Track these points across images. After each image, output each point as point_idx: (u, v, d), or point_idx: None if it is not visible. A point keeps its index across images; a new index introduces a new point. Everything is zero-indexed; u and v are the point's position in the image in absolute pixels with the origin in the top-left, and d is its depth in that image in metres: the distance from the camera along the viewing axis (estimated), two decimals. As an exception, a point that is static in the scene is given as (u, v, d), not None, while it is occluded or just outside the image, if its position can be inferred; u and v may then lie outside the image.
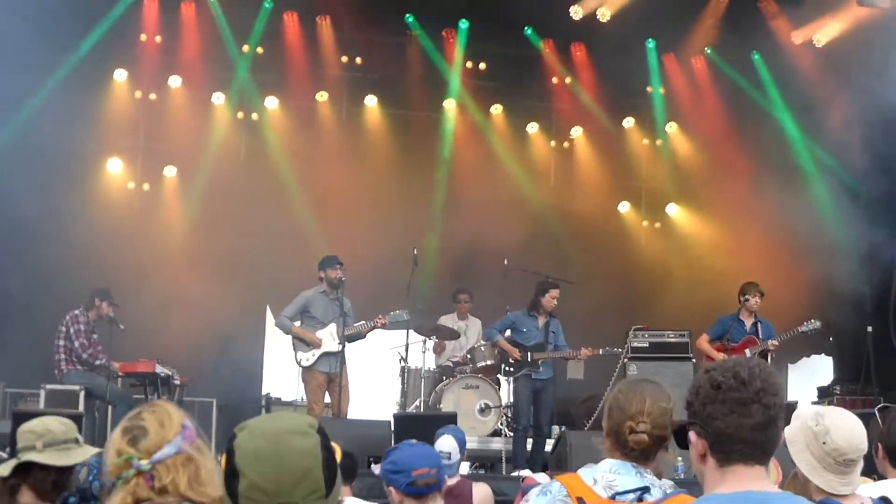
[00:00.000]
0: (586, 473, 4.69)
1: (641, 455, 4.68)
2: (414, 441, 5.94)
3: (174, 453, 3.62)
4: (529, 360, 15.36)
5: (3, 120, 17.02)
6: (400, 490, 5.57)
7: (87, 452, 5.62)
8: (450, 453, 10.73)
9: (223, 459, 3.04)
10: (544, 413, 15.44)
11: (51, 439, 5.59)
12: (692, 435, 3.50)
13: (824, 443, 4.90)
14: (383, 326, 15.51)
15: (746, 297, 15.32)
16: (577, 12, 18.88)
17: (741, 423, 3.40)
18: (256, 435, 3.01)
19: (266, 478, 2.93)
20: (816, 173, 19.55)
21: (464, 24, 19.57)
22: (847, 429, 4.96)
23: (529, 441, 15.38)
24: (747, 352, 15.21)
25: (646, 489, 4.59)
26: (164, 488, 3.57)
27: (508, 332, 15.75)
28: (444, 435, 10.54)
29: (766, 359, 15.08)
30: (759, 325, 15.46)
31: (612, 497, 4.56)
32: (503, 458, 15.64)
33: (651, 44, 20.04)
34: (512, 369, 15.56)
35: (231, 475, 2.98)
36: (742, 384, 3.42)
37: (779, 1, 18.89)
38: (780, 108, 19.79)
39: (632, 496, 4.58)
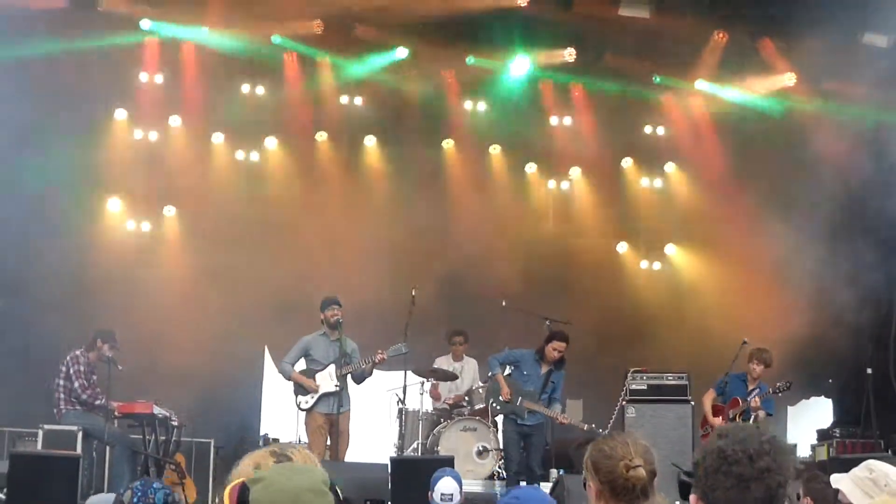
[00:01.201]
0: None
1: (643, 492, 4.71)
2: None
3: None
4: (518, 404, 15.33)
5: (2, 158, 17.01)
6: None
7: None
8: (452, 494, 10.76)
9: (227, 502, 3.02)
10: (535, 456, 15.39)
11: None
12: (693, 498, 3.51)
13: (886, 485, 4.96)
14: (382, 361, 15.46)
15: (751, 361, 15.35)
16: (571, 54, 18.90)
17: (743, 498, 3.40)
18: (274, 491, 3.00)
19: None
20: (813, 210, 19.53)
21: (471, 61, 19.48)
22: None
23: (523, 485, 15.32)
24: (730, 413, 15.20)
25: None
26: None
27: (509, 370, 15.72)
28: (444, 477, 10.57)
29: (750, 418, 15.04)
30: (757, 389, 15.45)
31: None
32: (500, 502, 15.58)
33: (647, 85, 20.01)
34: (498, 407, 15.53)
35: None
36: (749, 459, 3.42)
37: (776, 41, 18.89)
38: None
39: None
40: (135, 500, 5.65)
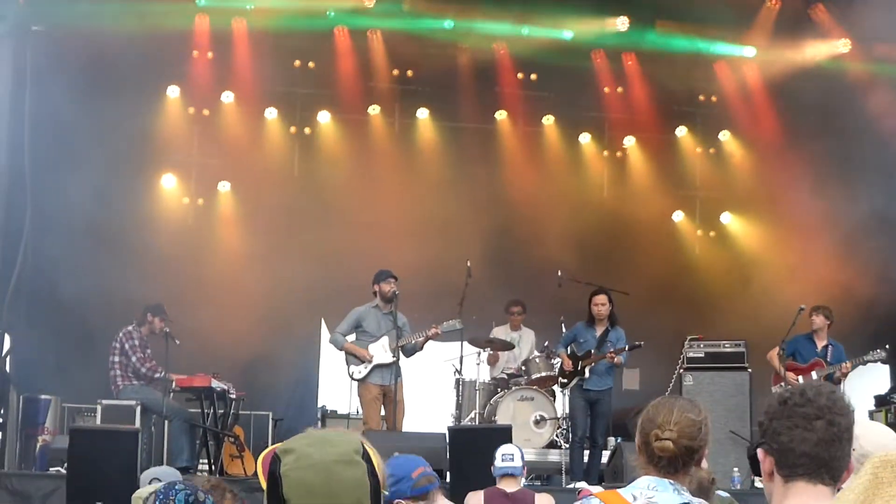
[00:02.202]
0: (625, 491, 4.66)
1: (669, 465, 4.63)
2: (396, 454, 6.05)
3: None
4: (580, 368, 15.34)
5: (57, 137, 17.16)
6: (407, 497, 5.56)
7: None
8: (512, 455, 10.78)
9: (263, 479, 3.02)
10: (599, 424, 15.38)
11: None
12: (760, 452, 3.53)
13: (854, 449, 4.90)
14: (436, 336, 15.52)
15: (811, 316, 15.32)
16: (623, 23, 18.83)
17: (805, 437, 3.43)
18: (305, 465, 2.98)
19: None
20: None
21: (525, 30, 19.42)
22: (874, 434, 4.97)
23: (587, 452, 15.33)
24: (814, 374, 15.16)
25: None
26: None
27: (570, 347, 15.75)
28: (504, 444, 10.70)
29: (837, 383, 15.03)
30: (829, 348, 15.41)
31: None
32: (562, 471, 15.60)
33: (710, 47, 19.85)
34: (565, 380, 15.54)
35: (277, 502, 2.97)
36: (808, 400, 3.47)
37: (830, 8, 18.74)
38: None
39: None
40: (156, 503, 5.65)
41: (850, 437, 3.50)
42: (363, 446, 3.08)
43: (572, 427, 15.40)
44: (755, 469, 3.59)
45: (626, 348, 15.30)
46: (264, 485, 3.11)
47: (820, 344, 15.43)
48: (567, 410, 15.98)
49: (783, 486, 3.45)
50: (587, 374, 15.30)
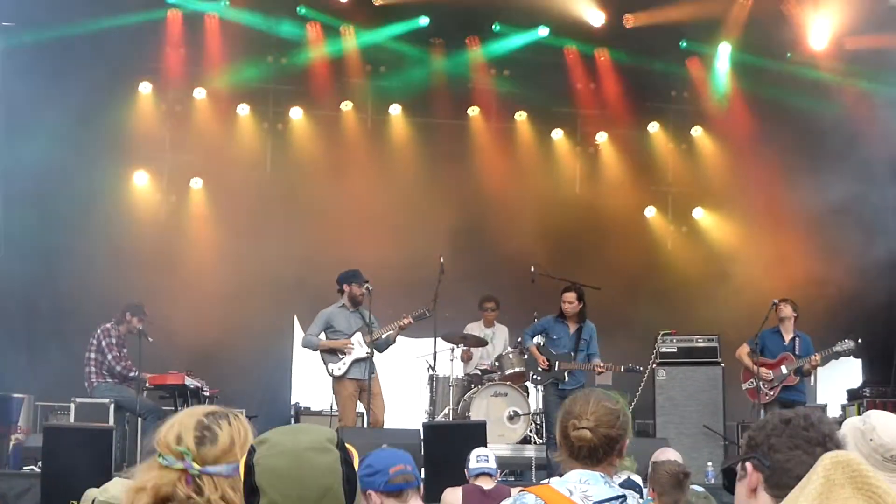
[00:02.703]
0: (559, 485, 4.68)
1: (591, 456, 4.67)
2: (385, 446, 5.97)
3: (226, 475, 3.47)
4: (556, 369, 15.32)
5: (30, 134, 17.11)
6: (379, 491, 5.55)
7: None
8: (487, 456, 10.83)
9: (241, 473, 3.03)
10: None
11: None
12: (749, 466, 3.46)
13: (871, 440, 4.90)
14: (408, 325, 15.49)
15: (777, 307, 15.34)
16: (596, 19, 18.88)
17: (803, 461, 3.34)
18: (276, 452, 3.00)
19: (287, 497, 2.93)
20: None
21: (496, 28, 19.51)
22: (892, 425, 4.95)
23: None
24: (783, 368, 15.19)
25: (622, 497, 4.60)
26: (200, 492, 3.47)
27: (541, 339, 15.71)
28: (475, 448, 10.74)
29: (807, 375, 15.10)
30: (797, 340, 15.44)
31: None
32: (533, 465, 15.63)
33: (675, 48, 19.97)
34: (539, 378, 15.53)
35: (251, 492, 2.98)
36: (811, 425, 3.44)
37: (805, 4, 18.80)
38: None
39: None
40: None
41: None
42: (338, 436, 3.09)
43: (547, 425, 15.39)
44: (729, 481, 3.54)
45: (622, 370, 15.32)
46: (240, 481, 3.12)
47: (787, 337, 15.46)
48: (541, 406, 16.01)
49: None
50: (566, 379, 15.26)
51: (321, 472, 2.97)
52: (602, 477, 4.63)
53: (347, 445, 3.15)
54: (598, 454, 4.67)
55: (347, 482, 3.01)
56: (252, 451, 3.01)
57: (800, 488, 1.83)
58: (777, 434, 3.44)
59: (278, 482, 2.94)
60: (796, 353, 15.33)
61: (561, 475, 4.70)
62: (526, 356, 16.12)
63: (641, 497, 4.70)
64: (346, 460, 3.05)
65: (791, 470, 3.37)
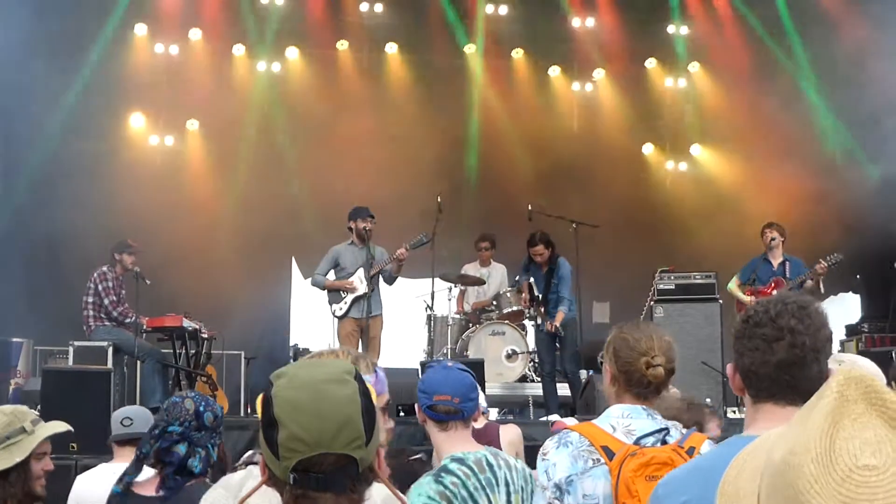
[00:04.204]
0: (601, 422, 4.70)
1: (655, 391, 4.73)
2: (450, 363, 5.68)
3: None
4: (531, 313, 15.32)
5: (24, 77, 17.04)
6: (422, 410, 5.47)
7: (44, 432, 5.19)
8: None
9: (259, 407, 3.03)
10: (565, 355, 15.13)
11: None
12: (729, 367, 3.46)
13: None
14: (404, 255, 15.33)
15: (766, 235, 15.28)
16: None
17: (765, 360, 3.33)
18: (295, 385, 3.00)
19: (306, 428, 2.92)
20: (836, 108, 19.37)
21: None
22: (859, 366, 4.94)
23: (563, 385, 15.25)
24: (775, 294, 15.09)
25: (665, 430, 4.62)
26: None
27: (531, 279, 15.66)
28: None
29: (817, 289, 14.98)
30: (787, 263, 15.36)
31: (636, 442, 4.57)
32: (531, 403, 15.67)
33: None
34: (528, 314, 15.55)
35: (269, 425, 2.98)
36: (770, 320, 3.34)
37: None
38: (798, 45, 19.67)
39: (652, 439, 4.59)
40: (201, 407, 5.65)
41: (818, 356, 3.34)
42: (356, 369, 3.09)
43: (539, 363, 15.36)
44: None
45: (559, 322, 15.11)
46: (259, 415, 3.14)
47: (776, 262, 15.36)
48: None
49: (752, 407, 3.39)
50: (539, 321, 15.20)
51: (340, 404, 2.96)
52: (644, 410, 4.68)
53: (370, 387, 3.15)
54: (660, 388, 4.75)
55: (366, 413, 3.01)
56: (270, 385, 3.02)
57: (810, 405, 1.83)
58: (739, 336, 3.41)
59: (297, 414, 2.94)
60: (787, 275, 15.26)
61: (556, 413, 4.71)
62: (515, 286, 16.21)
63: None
64: (364, 392, 3.05)
65: (757, 371, 3.36)
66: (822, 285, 15.06)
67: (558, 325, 14.74)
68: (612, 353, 4.78)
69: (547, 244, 15.15)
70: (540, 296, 15.04)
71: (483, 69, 20.32)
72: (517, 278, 16.50)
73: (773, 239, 15.23)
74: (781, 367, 3.32)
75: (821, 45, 18.71)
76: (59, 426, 5.30)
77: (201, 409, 5.67)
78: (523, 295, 15.31)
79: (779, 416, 3.28)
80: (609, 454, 4.55)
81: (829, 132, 19.06)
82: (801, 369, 3.32)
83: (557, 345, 15.08)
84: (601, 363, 4.94)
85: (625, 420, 4.65)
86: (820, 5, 18.77)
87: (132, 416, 7.75)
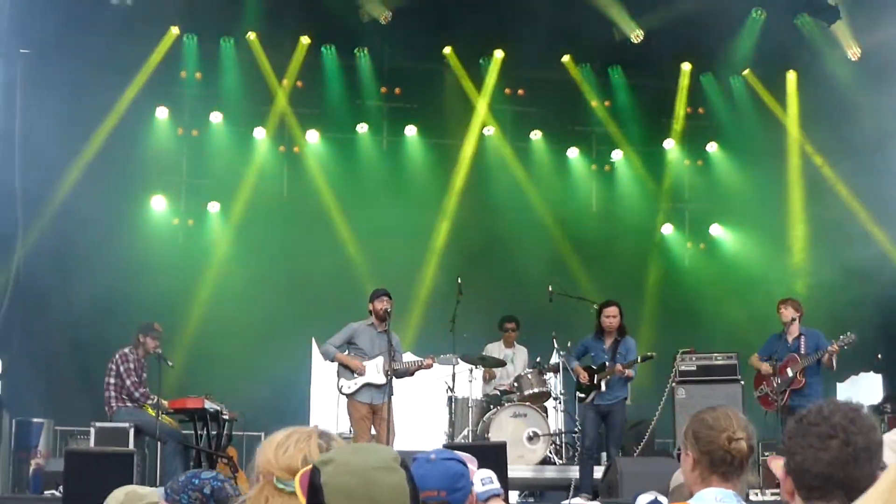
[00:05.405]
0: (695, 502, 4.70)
1: (739, 468, 4.68)
2: (433, 457, 5.57)
3: None
4: (596, 382, 15.17)
5: (48, 159, 17.20)
6: None
7: None
8: (491, 477, 10.72)
9: (301, 496, 3.04)
10: (612, 436, 14.99)
11: None
12: (779, 470, 3.47)
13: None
14: (429, 367, 15.43)
15: (779, 311, 15.21)
16: (615, 34, 18.98)
17: (818, 458, 3.33)
18: (344, 472, 3.01)
19: None
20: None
21: (499, 54, 19.68)
22: None
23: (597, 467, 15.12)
24: (789, 370, 15.00)
25: None
26: None
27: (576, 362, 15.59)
28: (475, 471, 10.64)
29: (830, 367, 14.87)
30: (803, 338, 15.22)
31: None
32: (572, 487, 15.54)
33: (687, 66, 20.11)
34: (583, 395, 15.36)
35: None
36: (823, 418, 3.37)
37: (815, 16, 18.85)
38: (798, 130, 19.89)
39: None
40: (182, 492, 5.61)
41: (871, 456, 3.34)
42: (402, 458, 3.11)
43: (581, 438, 15.25)
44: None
45: (637, 360, 15.08)
46: (303, 501, 3.13)
47: (791, 338, 15.22)
48: (560, 427, 15.99)
49: None
50: (604, 388, 15.09)
51: (391, 491, 2.99)
52: (735, 496, 4.66)
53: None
54: (744, 465, 4.71)
55: (413, 500, 3.04)
56: (317, 472, 3.02)
57: (873, 488, 1.83)
58: (793, 435, 3.41)
59: (348, 501, 2.96)
60: (802, 351, 15.14)
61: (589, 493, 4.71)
62: (547, 377, 16.13)
63: None
64: (412, 479, 3.07)
65: (809, 469, 3.35)
66: (834, 362, 14.96)
67: (630, 372, 14.79)
68: (691, 436, 4.77)
69: (620, 311, 15.15)
70: (607, 362, 15.02)
71: (502, 151, 20.41)
72: (537, 359, 16.47)
73: (786, 321, 15.18)
74: (834, 465, 3.32)
75: (837, 127, 18.80)
76: None
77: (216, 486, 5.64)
78: (581, 375, 15.19)
79: None
80: None
81: (848, 213, 19.09)
82: (853, 468, 3.32)
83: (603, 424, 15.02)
84: (676, 454, 4.95)
85: None
86: (836, 88, 18.89)
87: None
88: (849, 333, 14.82)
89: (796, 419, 3.43)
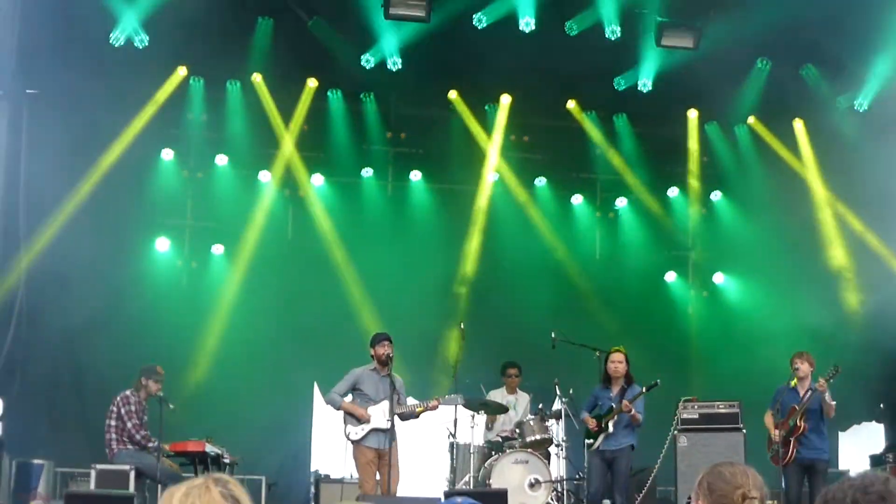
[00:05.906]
0: None
1: None
2: (459, 500, 5.47)
3: None
4: (605, 426, 15.14)
5: (52, 202, 17.23)
6: None
7: None
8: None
9: None
10: (617, 482, 14.94)
11: None
12: None
13: None
14: (435, 408, 15.43)
15: (795, 366, 15.07)
16: (619, 84, 19.07)
17: None
18: None
19: None
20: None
21: (506, 100, 19.75)
22: None
23: None
24: (790, 422, 14.92)
25: None
26: None
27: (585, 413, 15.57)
28: None
29: (828, 414, 14.77)
30: (809, 392, 15.17)
31: None
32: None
33: (693, 114, 20.19)
34: (591, 441, 15.34)
35: None
36: (863, 492, 3.36)
37: (820, 67, 18.94)
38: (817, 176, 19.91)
39: None
40: None
41: None
42: None
43: (587, 484, 15.24)
44: None
45: (643, 390, 15.05)
46: None
47: (803, 391, 15.07)
48: (562, 473, 15.94)
49: None
50: (611, 429, 15.06)
51: None
52: None
53: None
54: None
55: None
56: None
57: None
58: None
59: None
60: (803, 401, 15.02)
61: None
62: (549, 423, 16.11)
63: None
64: None
65: None
66: (831, 406, 14.77)
67: (638, 416, 14.79)
68: (706, 487, 4.76)
69: (627, 358, 15.17)
70: (613, 405, 14.99)
71: (506, 197, 20.44)
72: (539, 406, 16.45)
73: (797, 369, 15.05)
74: None
75: (844, 173, 18.86)
76: None
77: None
78: (591, 423, 15.18)
79: None
80: None
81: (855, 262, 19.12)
82: None
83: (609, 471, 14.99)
84: (687, 502, 4.95)
85: None
86: (842, 134, 18.96)
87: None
88: (831, 368, 14.69)
89: (828, 498, 3.41)
